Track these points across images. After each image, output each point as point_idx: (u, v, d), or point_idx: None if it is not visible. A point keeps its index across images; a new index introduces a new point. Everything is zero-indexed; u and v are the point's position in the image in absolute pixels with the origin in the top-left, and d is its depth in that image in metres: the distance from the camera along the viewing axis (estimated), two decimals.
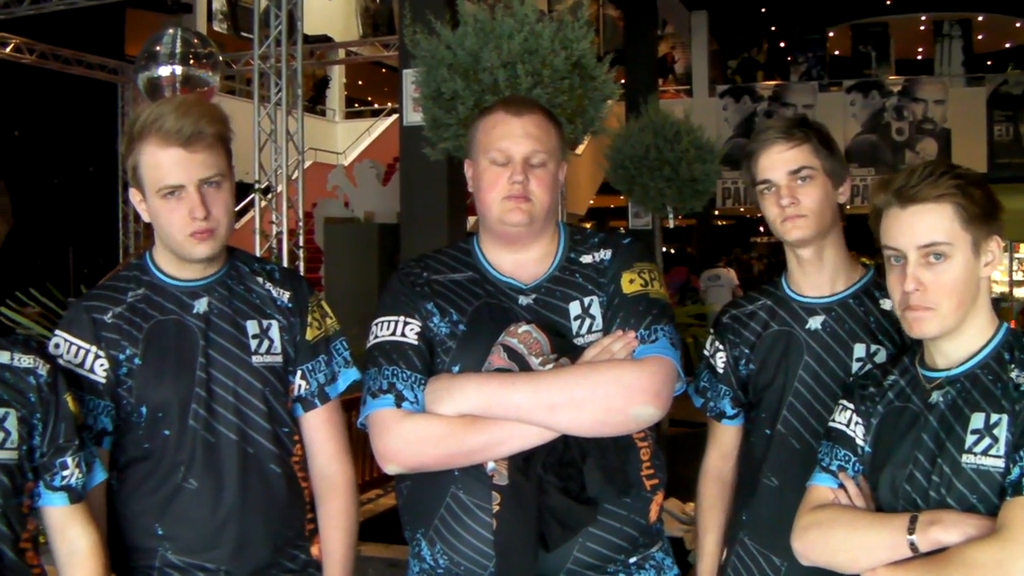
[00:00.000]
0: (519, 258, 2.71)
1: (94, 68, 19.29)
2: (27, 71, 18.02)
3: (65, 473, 2.43)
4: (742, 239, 26.63)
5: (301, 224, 12.09)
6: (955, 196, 2.27)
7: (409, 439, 2.50)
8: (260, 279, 2.80)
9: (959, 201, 2.27)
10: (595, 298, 2.66)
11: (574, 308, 2.64)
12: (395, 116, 24.26)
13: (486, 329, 2.58)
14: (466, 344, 2.59)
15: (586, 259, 2.72)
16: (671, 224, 11.80)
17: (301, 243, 11.86)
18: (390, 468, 2.55)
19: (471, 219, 10.32)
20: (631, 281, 2.65)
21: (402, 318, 2.64)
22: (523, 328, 2.54)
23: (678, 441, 7.39)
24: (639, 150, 10.32)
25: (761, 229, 30.81)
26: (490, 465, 2.48)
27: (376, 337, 2.66)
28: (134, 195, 2.67)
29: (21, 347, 2.44)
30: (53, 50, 18.13)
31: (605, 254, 2.72)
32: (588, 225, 22.38)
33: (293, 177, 11.86)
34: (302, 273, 10.12)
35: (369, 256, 12.01)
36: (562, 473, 2.47)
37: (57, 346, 2.65)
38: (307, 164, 13.10)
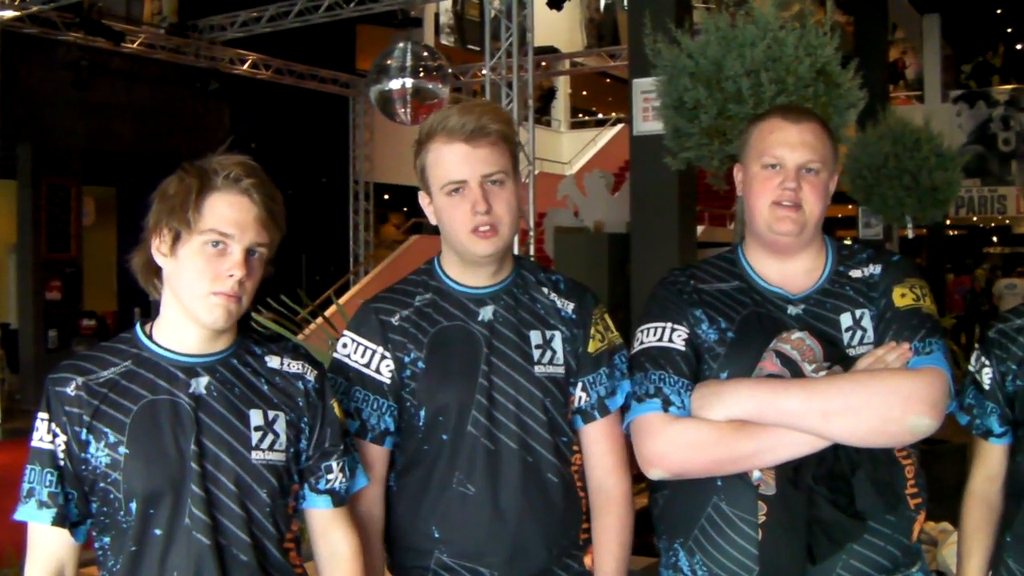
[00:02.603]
0: (786, 268, 2.69)
1: (326, 82, 19.97)
2: (263, 86, 18.81)
3: (330, 477, 2.48)
4: (975, 250, 25.77)
5: (532, 233, 12.20)
6: None
7: (676, 443, 2.50)
8: (545, 289, 2.78)
9: None
10: (866, 311, 2.62)
11: (845, 320, 2.60)
12: (620, 126, 24.42)
13: (756, 337, 2.56)
14: (736, 351, 2.58)
15: (855, 273, 2.69)
16: (910, 234, 11.45)
17: (532, 252, 11.98)
18: (653, 473, 2.55)
19: (700, 228, 10.26)
20: (903, 295, 2.61)
21: (669, 324, 2.64)
22: (796, 335, 2.52)
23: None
24: (878, 159, 10.02)
25: (994, 239, 29.73)
26: (756, 475, 2.47)
27: (642, 343, 2.67)
28: (422, 199, 2.72)
29: (291, 353, 2.52)
30: (288, 65, 18.87)
31: (875, 268, 2.68)
32: None
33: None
34: None
35: (599, 265, 11.99)
36: (832, 485, 2.44)
37: (345, 345, 2.71)
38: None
